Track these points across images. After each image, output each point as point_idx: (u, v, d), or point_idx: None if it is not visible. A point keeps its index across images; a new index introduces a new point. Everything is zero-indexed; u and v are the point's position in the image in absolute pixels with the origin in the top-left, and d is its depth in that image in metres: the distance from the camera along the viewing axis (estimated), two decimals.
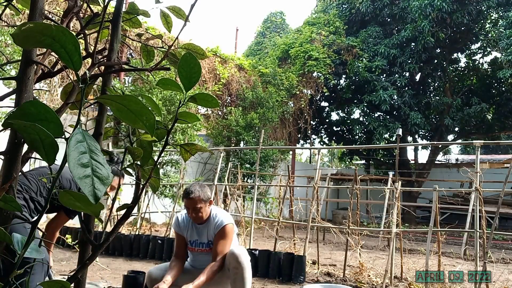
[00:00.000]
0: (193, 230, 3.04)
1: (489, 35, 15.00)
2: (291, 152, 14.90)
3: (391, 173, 9.49)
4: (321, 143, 19.11)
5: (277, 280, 4.86)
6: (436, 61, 15.09)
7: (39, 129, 0.61)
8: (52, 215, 3.00)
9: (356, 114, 16.22)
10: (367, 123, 14.94)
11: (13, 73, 6.95)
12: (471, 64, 16.57)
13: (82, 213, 0.90)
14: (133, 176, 0.98)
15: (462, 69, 16.91)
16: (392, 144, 14.77)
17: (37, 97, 0.83)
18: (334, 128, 18.31)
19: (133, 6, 1.16)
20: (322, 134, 18.90)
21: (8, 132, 0.72)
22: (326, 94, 15.93)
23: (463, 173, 5.47)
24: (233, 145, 12.00)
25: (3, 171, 0.74)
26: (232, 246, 2.97)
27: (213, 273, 2.79)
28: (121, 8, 0.94)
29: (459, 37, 14.51)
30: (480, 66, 16.40)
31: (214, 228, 2.96)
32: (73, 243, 5.77)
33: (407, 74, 15.03)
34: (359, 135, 16.79)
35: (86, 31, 1.08)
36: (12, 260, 0.69)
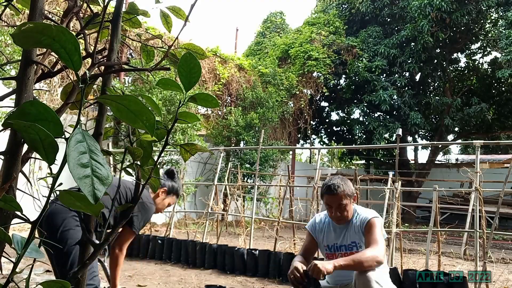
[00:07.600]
0: (331, 232, 2.61)
1: (489, 35, 15.00)
2: (291, 152, 14.90)
3: (391, 173, 9.46)
4: (321, 143, 19.11)
5: (277, 280, 4.86)
6: (436, 61, 15.08)
7: (39, 129, 0.61)
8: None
9: (356, 114, 16.23)
10: (367, 123, 14.94)
11: (13, 73, 6.95)
12: (471, 64, 16.57)
13: (82, 213, 0.90)
14: (133, 176, 0.98)
15: (462, 69, 16.91)
16: (392, 144, 14.76)
17: (37, 97, 0.83)
18: (334, 128, 18.31)
19: (133, 6, 1.16)
20: (322, 134, 18.91)
21: (8, 132, 0.72)
22: (326, 94, 15.93)
23: (463, 173, 5.47)
24: (233, 145, 12.00)
25: (3, 171, 0.74)
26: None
27: (360, 259, 2.22)
28: (121, 8, 0.94)
29: (459, 37, 14.50)
30: (480, 66, 16.40)
31: (358, 226, 2.50)
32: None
33: (407, 74, 15.03)
34: (359, 135, 16.79)
35: (86, 31, 1.08)
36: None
